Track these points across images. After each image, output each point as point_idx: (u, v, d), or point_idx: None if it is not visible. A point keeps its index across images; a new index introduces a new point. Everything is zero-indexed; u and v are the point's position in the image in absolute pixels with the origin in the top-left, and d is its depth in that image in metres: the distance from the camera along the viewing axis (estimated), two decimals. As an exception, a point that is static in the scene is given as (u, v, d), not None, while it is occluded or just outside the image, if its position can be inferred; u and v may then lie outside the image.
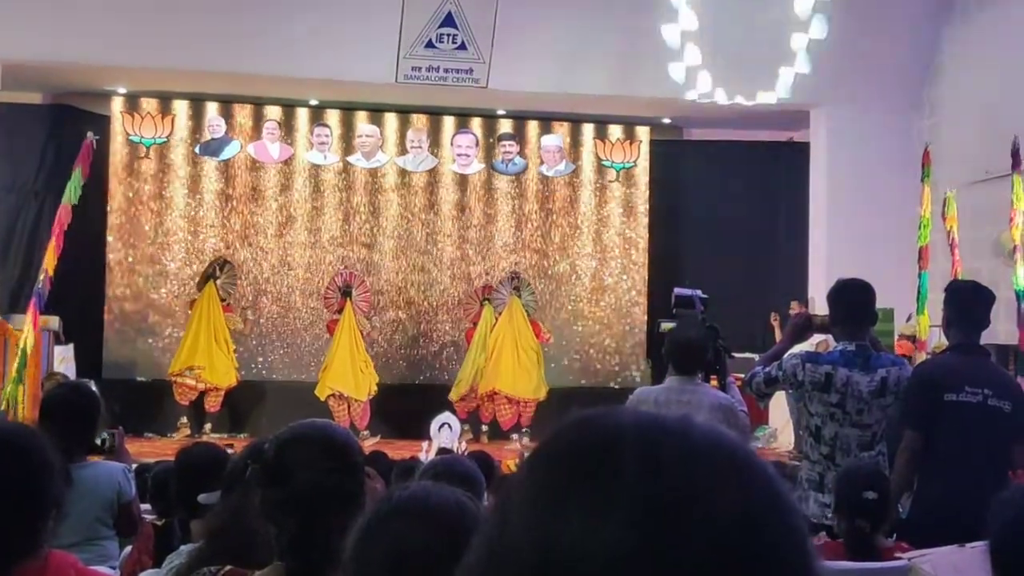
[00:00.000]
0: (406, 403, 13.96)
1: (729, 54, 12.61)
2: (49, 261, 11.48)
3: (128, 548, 4.64)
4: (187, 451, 4.61)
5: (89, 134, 11.50)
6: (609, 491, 0.77)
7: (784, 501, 0.81)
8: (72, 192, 11.76)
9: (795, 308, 12.06)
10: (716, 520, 0.76)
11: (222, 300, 13.64)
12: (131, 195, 14.41)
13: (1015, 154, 10.80)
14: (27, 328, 11.39)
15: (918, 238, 11.64)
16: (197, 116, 14.67)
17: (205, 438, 12.39)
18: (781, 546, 0.79)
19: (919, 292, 11.36)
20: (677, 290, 6.76)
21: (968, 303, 5.38)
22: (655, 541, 0.75)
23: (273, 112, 14.82)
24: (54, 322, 12.24)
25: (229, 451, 4.72)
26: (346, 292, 13.54)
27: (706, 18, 11.00)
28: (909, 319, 11.91)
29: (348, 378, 13.31)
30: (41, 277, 11.64)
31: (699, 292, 6.67)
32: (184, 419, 13.63)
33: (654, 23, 13.39)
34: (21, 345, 11.30)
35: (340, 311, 13.51)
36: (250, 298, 14.55)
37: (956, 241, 11.43)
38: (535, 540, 0.78)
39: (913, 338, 11.49)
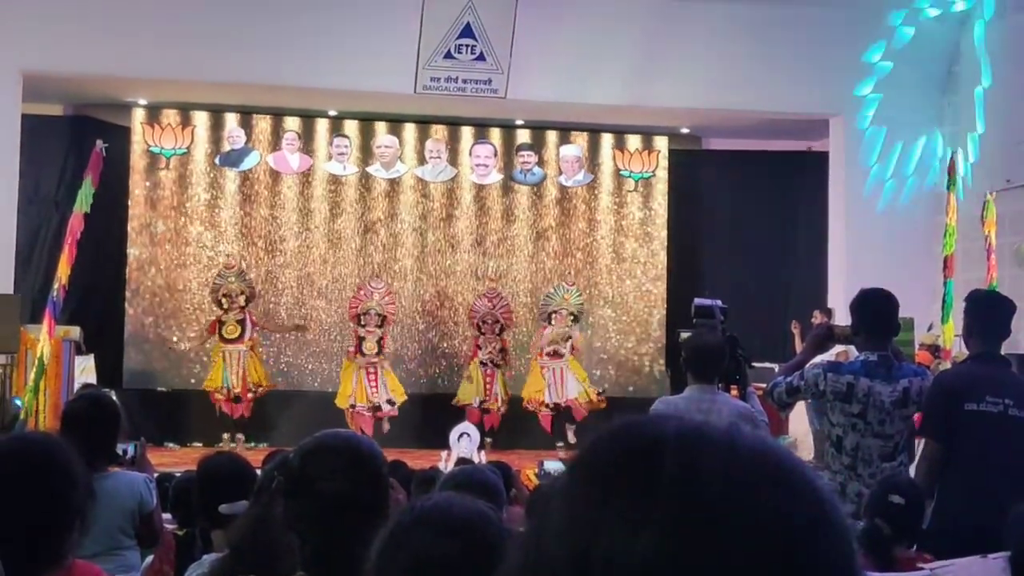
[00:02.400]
0: (425, 413, 13.98)
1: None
2: (63, 270, 11.53)
3: (149, 558, 4.64)
4: (208, 461, 4.62)
5: (98, 142, 11.55)
6: (646, 504, 0.75)
7: (830, 518, 0.78)
8: (83, 201, 11.81)
9: (818, 318, 12.01)
10: (756, 537, 0.74)
11: (230, 307, 13.65)
12: (151, 206, 14.47)
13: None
14: (43, 337, 11.43)
15: (943, 247, 11.58)
16: (217, 127, 14.72)
17: (223, 447, 12.42)
18: (823, 565, 0.76)
19: (944, 301, 11.31)
20: (697, 300, 6.77)
21: (989, 312, 5.36)
22: (691, 557, 0.73)
23: (292, 123, 14.86)
24: (75, 332, 12.28)
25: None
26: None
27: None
28: (930, 328, 11.86)
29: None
30: (55, 287, 11.68)
31: (719, 302, 6.67)
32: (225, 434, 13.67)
33: (672, 33, 13.46)
34: (38, 354, 11.35)
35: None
36: (268, 306, 14.57)
37: (993, 246, 11.34)
38: (570, 550, 0.77)
39: (934, 348, 11.44)
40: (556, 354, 14.03)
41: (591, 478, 0.81)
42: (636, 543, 0.74)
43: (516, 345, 14.60)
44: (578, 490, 0.80)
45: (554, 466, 11.25)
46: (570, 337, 14.12)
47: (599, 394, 14.04)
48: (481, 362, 14.01)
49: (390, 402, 13.60)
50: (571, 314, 14.18)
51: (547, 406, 13.90)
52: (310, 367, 14.65)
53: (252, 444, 13.21)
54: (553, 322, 14.07)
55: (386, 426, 13.56)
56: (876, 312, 5.39)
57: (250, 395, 13.56)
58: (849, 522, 0.82)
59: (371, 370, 13.60)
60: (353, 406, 13.50)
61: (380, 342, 13.75)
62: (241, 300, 13.69)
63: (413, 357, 14.84)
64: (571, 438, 13.59)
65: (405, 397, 13.74)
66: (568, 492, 0.81)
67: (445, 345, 14.98)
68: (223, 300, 13.65)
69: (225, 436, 13.52)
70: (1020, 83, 12.32)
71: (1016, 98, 12.32)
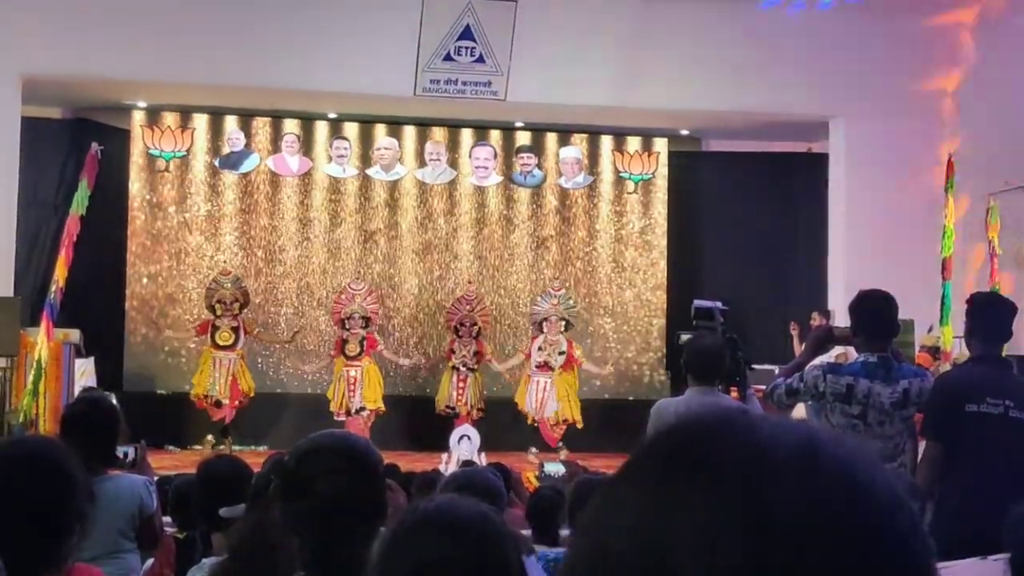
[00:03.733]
0: (423, 416, 13.94)
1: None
2: (60, 272, 11.53)
3: (150, 561, 4.64)
4: (209, 464, 4.62)
5: (93, 145, 11.55)
6: (717, 501, 0.72)
7: (904, 524, 0.75)
8: (79, 203, 11.82)
9: (816, 320, 12.00)
10: (830, 539, 0.71)
11: (223, 313, 13.58)
12: (151, 208, 14.46)
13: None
14: (41, 340, 11.43)
15: (941, 248, 11.56)
16: (216, 130, 14.71)
17: (223, 449, 12.41)
18: (897, 568, 0.73)
19: (942, 303, 11.30)
20: (697, 302, 6.77)
21: (990, 314, 5.36)
22: (763, 553, 0.70)
23: (292, 125, 14.85)
24: (75, 335, 12.28)
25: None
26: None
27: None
28: (930, 330, 11.85)
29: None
30: (52, 289, 11.69)
31: (719, 304, 6.68)
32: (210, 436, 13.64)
33: (671, 35, 13.46)
34: (35, 357, 11.35)
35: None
36: (268, 310, 14.56)
37: (996, 250, 11.33)
38: (639, 545, 0.73)
39: (935, 350, 11.43)
40: (546, 366, 13.80)
41: (659, 473, 0.77)
42: (704, 540, 0.71)
43: (510, 351, 14.58)
44: (645, 485, 0.77)
45: (554, 468, 11.25)
46: (563, 352, 13.86)
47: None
48: (454, 367, 13.86)
49: (361, 410, 13.47)
50: (562, 319, 13.96)
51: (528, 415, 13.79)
52: (306, 368, 14.59)
53: (249, 447, 13.21)
54: (545, 330, 13.87)
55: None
56: (875, 313, 5.40)
57: (236, 403, 13.49)
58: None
59: (352, 373, 13.51)
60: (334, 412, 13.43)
61: (363, 343, 13.67)
62: (235, 308, 13.61)
63: (411, 358, 14.77)
64: (532, 457, 13.34)
65: (380, 406, 13.61)
66: (636, 486, 0.77)
67: (443, 347, 14.92)
68: (216, 307, 13.58)
69: (209, 438, 13.51)
70: (1021, 84, 12.32)
71: (1018, 98, 12.32)
